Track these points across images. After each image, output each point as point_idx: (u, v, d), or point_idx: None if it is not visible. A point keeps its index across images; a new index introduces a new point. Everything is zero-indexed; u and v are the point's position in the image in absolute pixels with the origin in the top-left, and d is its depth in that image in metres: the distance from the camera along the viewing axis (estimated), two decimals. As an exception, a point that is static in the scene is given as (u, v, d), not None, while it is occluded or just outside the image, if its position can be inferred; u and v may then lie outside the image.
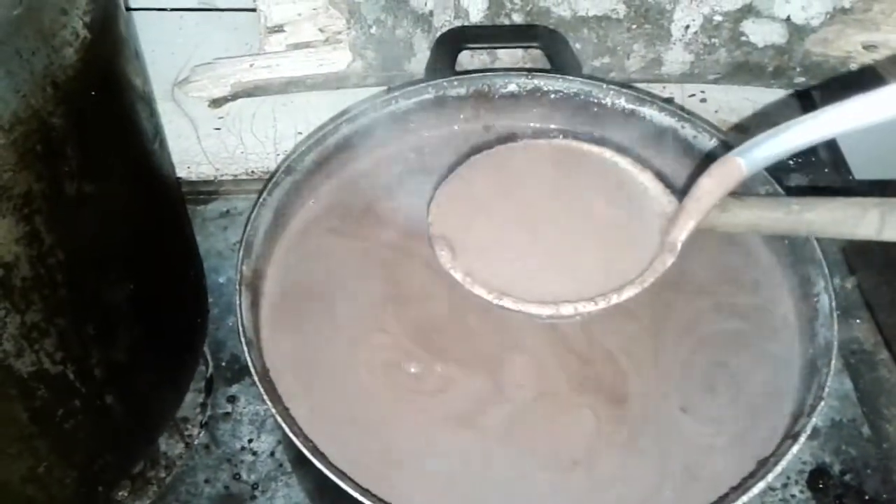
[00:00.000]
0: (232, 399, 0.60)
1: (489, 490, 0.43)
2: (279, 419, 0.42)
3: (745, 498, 0.40)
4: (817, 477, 0.56)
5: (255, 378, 0.44)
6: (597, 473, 0.44)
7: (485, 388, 0.46)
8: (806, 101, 0.77)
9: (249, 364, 0.44)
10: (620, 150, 0.50)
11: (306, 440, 0.42)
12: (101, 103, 0.40)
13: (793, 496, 0.55)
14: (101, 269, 0.44)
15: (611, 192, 0.48)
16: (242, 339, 0.45)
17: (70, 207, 0.39)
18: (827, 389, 0.43)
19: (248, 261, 0.49)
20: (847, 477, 0.56)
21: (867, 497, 0.55)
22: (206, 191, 0.73)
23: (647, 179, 0.48)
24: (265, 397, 0.43)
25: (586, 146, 0.50)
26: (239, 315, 0.46)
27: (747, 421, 0.45)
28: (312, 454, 0.41)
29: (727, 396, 0.46)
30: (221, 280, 0.66)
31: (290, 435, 0.42)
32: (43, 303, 0.40)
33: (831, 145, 0.74)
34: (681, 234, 0.44)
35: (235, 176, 0.74)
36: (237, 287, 0.47)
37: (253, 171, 0.74)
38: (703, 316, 0.50)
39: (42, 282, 0.39)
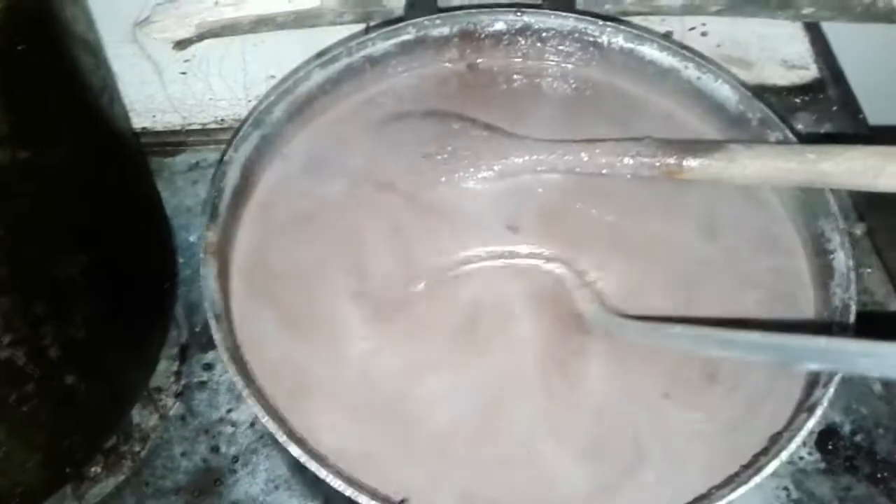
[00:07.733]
0: (208, 366, 0.56)
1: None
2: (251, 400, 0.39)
3: (758, 478, 0.37)
4: (827, 438, 0.53)
5: (224, 357, 0.40)
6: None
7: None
8: (815, 33, 0.72)
9: (218, 342, 0.40)
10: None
11: (282, 422, 0.39)
12: (32, 57, 0.35)
13: (801, 458, 0.53)
14: (47, 242, 0.40)
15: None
16: (211, 314, 0.41)
17: (3, 178, 0.35)
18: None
19: (214, 225, 0.44)
20: (858, 437, 0.53)
21: (879, 458, 0.53)
22: (173, 142, 0.68)
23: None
24: (235, 378, 0.39)
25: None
26: (206, 287, 0.42)
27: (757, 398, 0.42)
28: (289, 437, 0.38)
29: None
30: (192, 238, 0.62)
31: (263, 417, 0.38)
32: (-21, 284, 0.35)
33: (840, 82, 0.70)
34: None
35: (204, 125, 0.68)
36: (202, 255, 0.43)
37: (223, 120, 0.68)
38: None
39: (-23, 261, 0.35)
